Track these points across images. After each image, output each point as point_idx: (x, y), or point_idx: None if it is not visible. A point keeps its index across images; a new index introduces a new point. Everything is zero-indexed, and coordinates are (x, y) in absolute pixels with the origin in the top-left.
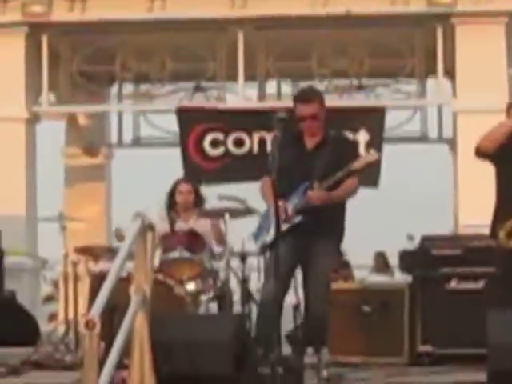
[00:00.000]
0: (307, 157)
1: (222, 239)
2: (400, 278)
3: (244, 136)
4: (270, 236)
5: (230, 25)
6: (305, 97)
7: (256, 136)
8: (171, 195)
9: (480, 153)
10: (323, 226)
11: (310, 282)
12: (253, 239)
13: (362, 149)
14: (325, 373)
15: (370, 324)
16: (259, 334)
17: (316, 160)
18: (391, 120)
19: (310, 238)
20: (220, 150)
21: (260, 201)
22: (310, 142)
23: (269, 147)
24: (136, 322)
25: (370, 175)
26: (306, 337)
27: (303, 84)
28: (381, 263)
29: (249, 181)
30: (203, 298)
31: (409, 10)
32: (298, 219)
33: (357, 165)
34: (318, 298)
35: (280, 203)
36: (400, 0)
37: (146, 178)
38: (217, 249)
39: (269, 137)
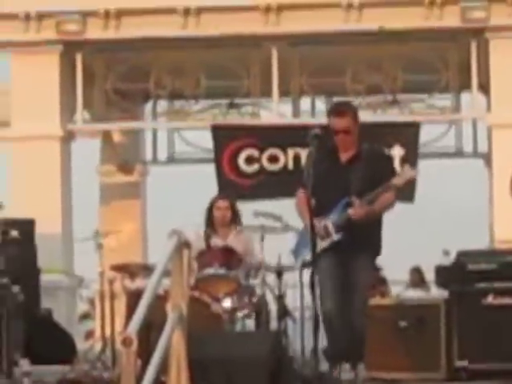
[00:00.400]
0: (342, 171)
1: (255, 255)
2: (436, 293)
3: (278, 152)
4: (310, 253)
5: (263, 41)
6: (338, 110)
7: (291, 152)
8: (209, 211)
9: None
10: (362, 241)
11: (350, 299)
12: (292, 256)
13: (397, 164)
14: None
15: (406, 339)
16: (334, 352)
17: (351, 174)
18: (426, 135)
19: (350, 253)
20: (255, 167)
21: (296, 217)
22: (344, 156)
23: (303, 163)
24: (173, 339)
25: (406, 190)
26: (343, 352)
27: (337, 100)
28: (417, 278)
29: (284, 197)
30: (239, 314)
31: (442, 25)
32: (338, 236)
33: (396, 181)
34: (357, 312)
35: (317, 221)
36: (433, 15)
37: (181, 194)
38: (253, 263)
39: (303, 153)
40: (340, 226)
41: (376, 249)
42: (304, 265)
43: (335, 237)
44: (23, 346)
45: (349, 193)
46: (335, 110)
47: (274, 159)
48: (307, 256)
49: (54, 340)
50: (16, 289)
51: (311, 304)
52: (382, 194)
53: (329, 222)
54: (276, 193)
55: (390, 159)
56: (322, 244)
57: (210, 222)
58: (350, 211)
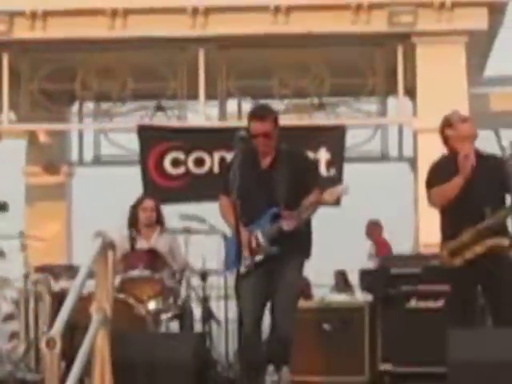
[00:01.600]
0: (264, 176)
1: (179, 258)
2: (360, 296)
3: (204, 155)
4: (242, 266)
5: (191, 44)
6: (259, 114)
7: (216, 155)
8: (134, 212)
9: (438, 207)
10: (290, 246)
11: (277, 299)
12: (224, 268)
13: (322, 168)
14: None
15: (330, 343)
16: (248, 363)
17: (273, 179)
18: (351, 139)
19: (278, 260)
20: (181, 169)
21: (221, 220)
22: (264, 161)
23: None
24: (97, 341)
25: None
26: (268, 355)
27: (264, 103)
28: (341, 282)
29: (209, 200)
30: (164, 316)
31: (369, 30)
32: (273, 250)
33: (327, 197)
34: (285, 314)
35: (246, 232)
36: (361, 19)
37: (106, 196)
38: (176, 267)
39: (229, 156)
40: (272, 239)
41: (305, 251)
42: (237, 277)
43: (270, 251)
44: None
45: (274, 200)
46: (256, 114)
47: (199, 162)
48: (241, 269)
49: None
50: None
51: (236, 307)
52: (311, 205)
53: (259, 235)
54: (202, 196)
55: (311, 161)
56: (256, 257)
57: (134, 222)
58: (283, 224)
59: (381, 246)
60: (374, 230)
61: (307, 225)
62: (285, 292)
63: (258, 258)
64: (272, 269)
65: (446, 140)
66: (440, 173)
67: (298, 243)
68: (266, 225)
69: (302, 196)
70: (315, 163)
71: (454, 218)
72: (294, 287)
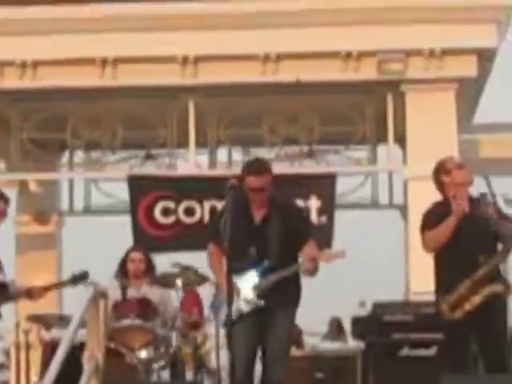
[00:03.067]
0: (257, 230)
1: (170, 306)
2: (353, 344)
3: (195, 204)
4: (232, 314)
5: (180, 92)
6: (256, 169)
7: (207, 204)
8: (123, 263)
9: (431, 251)
10: (280, 297)
11: (269, 347)
12: (211, 312)
13: (313, 215)
14: None
15: None
16: None
17: (266, 234)
18: (342, 186)
19: (272, 309)
20: (171, 219)
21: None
22: (257, 215)
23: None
24: None
25: (323, 242)
26: None
27: (254, 151)
28: (335, 329)
29: (200, 250)
30: (155, 365)
31: (359, 78)
32: (261, 303)
33: (324, 260)
34: (276, 362)
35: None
36: (350, 67)
37: (97, 245)
38: (168, 316)
39: (219, 205)
40: (261, 293)
41: (295, 300)
42: (226, 325)
43: (258, 303)
44: None
45: (266, 254)
46: (252, 169)
47: (190, 211)
48: (231, 317)
49: None
50: None
51: (228, 356)
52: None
53: (248, 289)
54: (192, 245)
55: (303, 213)
56: (242, 308)
57: (125, 273)
58: (272, 277)
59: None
60: None
61: (295, 274)
62: (277, 341)
63: (248, 308)
64: (263, 318)
65: (441, 186)
66: (434, 217)
67: (287, 293)
68: (259, 279)
69: (295, 248)
70: (307, 215)
71: (449, 269)
72: (286, 336)
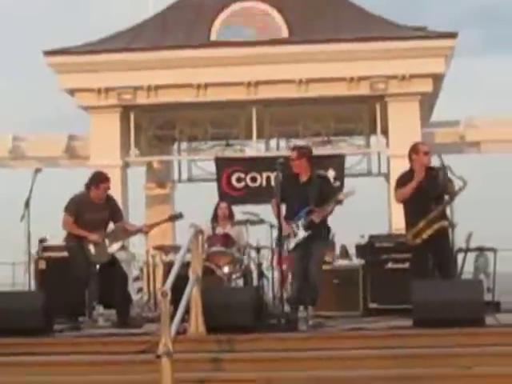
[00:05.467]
0: (302, 188)
1: (243, 239)
2: (356, 261)
3: (257, 175)
4: (291, 243)
5: (247, 104)
6: (293, 149)
7: (264, 175)
8: (215, 210)
9: (399, 202)
10: (318, 231)
11: (311, 262)
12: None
13: (331, 180)
14: (310, 322)
15: (338, 291)
16: (296, 299)
17: (308, 190)
18: (348, 162)
19: (311, 239)
20: (242, 184)
21: (268, 214)
22: (301, 179)
23: (273, 182)
24: (192, 292)
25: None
26: (299, 300)
27: (293, 141)
28: (344, 252)
29: (260, 203)
30: (233, 276)
31: (359, 93)
32: (306, 234)
33: (340, 197)
34: (315, 272)
35: (287, 222)
36: (352, 86)
37: (196, 201)
38: (241, 245)
39: (272, 176)
40: (306, 226)
41: (326, 234)
42: (290, 250)
43: (305, 234)
44: (99, 297)
45: (307, 202)
46: (292, 149)
47: (254, 179)
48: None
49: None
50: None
51: (278, 269)
52: (329, 204)
53: (297, 224)
54: (255, 201)
55: (329, 180)
56: (295, 239)
57: (215, 217)
58: (313, 216)
59: None
60: None
61: (324, 221)
62: (314, 261)
63: (297, 239)
64: (307, 244)
65: (410, 159)
66: (402, 181)
67: (320, 231)
68: (303, 218)
69: (324, 201)
70: (329, 180)
71: (413, 212)
72: (320, 258)
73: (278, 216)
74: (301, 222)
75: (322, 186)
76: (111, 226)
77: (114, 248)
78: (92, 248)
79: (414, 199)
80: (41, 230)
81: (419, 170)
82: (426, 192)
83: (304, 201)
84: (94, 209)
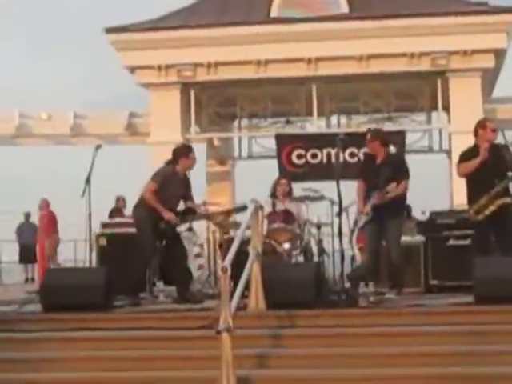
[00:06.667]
0: (376, 169)
1: (303, 215)
2: (418, 238)
3: (317, 152)
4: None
5: (307, 80)
6: (366, 132)
7: (325, 152)
8: (274, 186)
9: (461, 176)
10: (389, 210)
11: (388, 243)
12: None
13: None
14: (371, 298)
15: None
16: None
17: (381, 172)
18: (409, 138)
19: (383, 218)
20: (302, 161)
21: (329, 191)
22: (377, 160)
23: (333, 159)
24: (253, 268)
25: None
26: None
27: (354, 117)
28: (412, 228)
29: (321, 180)
30: (294, 253)
31: (419, 69)
32: (369, 216)
33: (389, 189)
34: (394, 252)
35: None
36: (414, 62)
37: (256, 178)
38: (302, 221)
39: (333, 152)
40: (372, 208)
41: (400, 213)
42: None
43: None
44: (160, 273)
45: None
46: (366, 132)
47: (314, 156)
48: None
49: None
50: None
51: (339, 246)
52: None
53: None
54: (316, 177)
55: (403, 162)
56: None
57: (275, 193)
58: (374, 199)
59: None
60: None
61: (402, 199)
62: (391, 237)
63: (366, 218)
64: (381, 222)
65: (475, 135)
66: (466, 156)
67: (391, 209)
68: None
69: (394, 180)
70: (405, 163)
71: (476, 188)
72: (395, 233)
73: (359, 196)
74: (369, 204)
75: (395, 167)
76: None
77: (181, 228)
78: (162, 224)
79: (478, 175)
80: (101, 207)
81: (484, 147)
82: (490, 168)
83: (377, 182)
84: (177, 183)
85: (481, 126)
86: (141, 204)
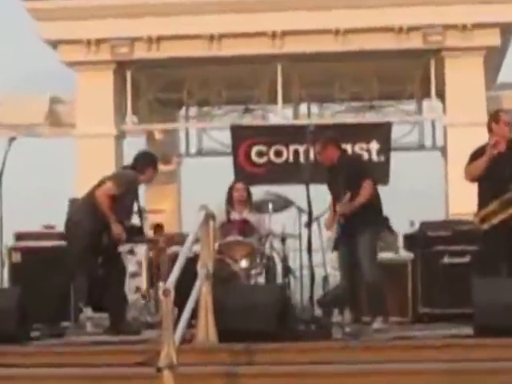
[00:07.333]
0: (334, 176)
1: (264, 226)
2: (404, 254)
3: (282, 148)
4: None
5: (270, 60)
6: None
7: (291, 148)
8: (229, 192)
9: (469, 180)
10: (357, 223)
11: (359, 259)
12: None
13: (374, 155)
14: (347, 328)
15: None
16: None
17: (338, 179)
18: (395, 133)
19: (352, 230)
20: (264, 159)
21: (296, 196)
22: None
23: (301, 158)
24: (202, 290)
25: (382, 176)
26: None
27: (327, 106)
28: (393, 243)
29: (286, 183)
30: (253, 272)
31: (409, 46)
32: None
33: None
34: (368, 269)
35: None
36: (402, 38)
37: (207, 180)
38: (263, 233)
39: (301, 149)
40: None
41: (371, 221)
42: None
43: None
44: (88, 297)
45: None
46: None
47: (278, 153)
48: None
49: None
50: None
51: (307, 264)
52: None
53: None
54: (280, 180)
55: (356, 161)
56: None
57: (230, 200)
58: (341, 210)
59: None
60: None
61: (369, 207)
62: (361, 252)
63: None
64: (350, 237)
65: (489, 130)
66: (476, 156)
67: (359, 219)
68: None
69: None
70: (360, 161)
71: (485, 192)
72: (367, 247)
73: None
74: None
75: (349, 169)
76: None
77: (125, 248)
78: (106, 239)
79: (489, 177)
80: (15, 212)
81: (492, 143)
82: (505, 169)
83: (338, 192)
84: (134, 196)
85: (494, 119)
86: (85, 208)
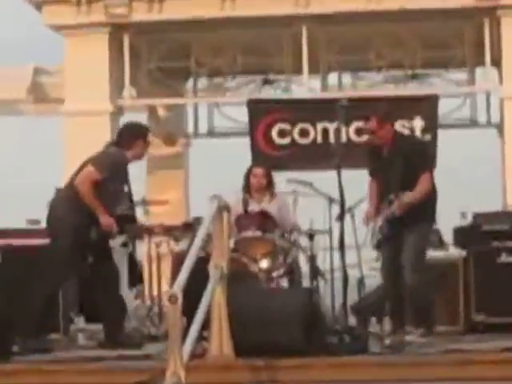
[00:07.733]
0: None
1: (288, 219)
2: (455, 252)
3: (309, 127)
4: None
5: (294, 21)
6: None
7: (319, 126)
8: (247, 178)
9: None
10: (409, 218)
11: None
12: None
13: (418, 134)
14: (387, 341)
15: None
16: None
17: (391, 169)
18: (443, 107)
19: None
20: (287, 140)
21: (325, 184)
22: (385, 150)
23: (331, 138)
24: (215, 296)
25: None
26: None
27: (362, 75)
28: (436, 240)
29: (313, 168)
30: (275, 274)
31: (458, 5)
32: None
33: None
34: (411, 275)
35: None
36: None
37: (220, 164)
38: (286, 228)
39: (331, 127)
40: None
41: (424, 217)
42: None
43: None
44: (80, 305)
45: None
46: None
47: (304, 133)
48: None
49: None
50: None
51: (340, 265)
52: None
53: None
54: (305, 165)
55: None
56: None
57: (247, 188)
58: (393, 209)
59: None
60: None
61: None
62: (407, 256)
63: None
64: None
65: None
66: None
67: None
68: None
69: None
70: (424, 147)
71: None
72: (414, 250)
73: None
74: (382, 216)
75: (408, 156)
76: None
77: (114, 243)
78: (94, 234)
79: None
80: None
81: None
82: None
83: (389, 182)
84: (123, 177)
85: None
86: (67, 199)
